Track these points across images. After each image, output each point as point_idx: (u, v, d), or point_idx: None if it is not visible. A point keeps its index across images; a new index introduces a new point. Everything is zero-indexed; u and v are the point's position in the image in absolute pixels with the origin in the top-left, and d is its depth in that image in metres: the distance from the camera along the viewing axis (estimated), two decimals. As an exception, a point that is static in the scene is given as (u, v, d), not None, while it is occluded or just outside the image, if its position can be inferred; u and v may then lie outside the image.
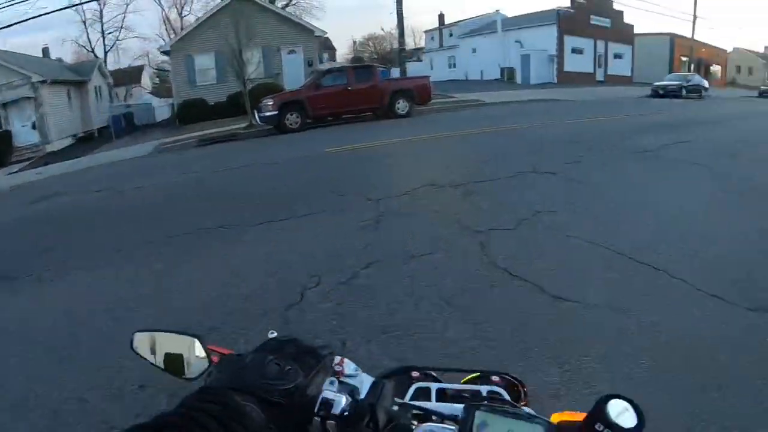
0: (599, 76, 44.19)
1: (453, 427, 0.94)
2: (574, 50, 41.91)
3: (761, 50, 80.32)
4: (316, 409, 0.92)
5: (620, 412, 0.88)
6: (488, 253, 5.43)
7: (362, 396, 0.98)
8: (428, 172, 9.53)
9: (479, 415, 0.92)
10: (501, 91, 30.14)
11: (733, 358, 3.45)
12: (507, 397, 1.14)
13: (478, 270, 5.03)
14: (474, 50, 48.22)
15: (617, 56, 46.14)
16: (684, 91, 33.55)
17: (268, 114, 19.06)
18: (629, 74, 47.17)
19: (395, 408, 0.97)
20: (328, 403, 0.93)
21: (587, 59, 43.10)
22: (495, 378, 1.20)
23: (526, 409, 1.03)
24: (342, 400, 0.94)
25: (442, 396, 1.10)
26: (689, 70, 42.17)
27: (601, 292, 4.45)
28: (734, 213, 7.03)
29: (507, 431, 0.91)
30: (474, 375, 1.22)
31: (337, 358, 1.05)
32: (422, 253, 5.50)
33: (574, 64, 41.70)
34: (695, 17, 43.75)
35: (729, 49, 70.26)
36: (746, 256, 5.31)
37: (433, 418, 0.99)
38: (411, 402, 1.04)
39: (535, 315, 4.04)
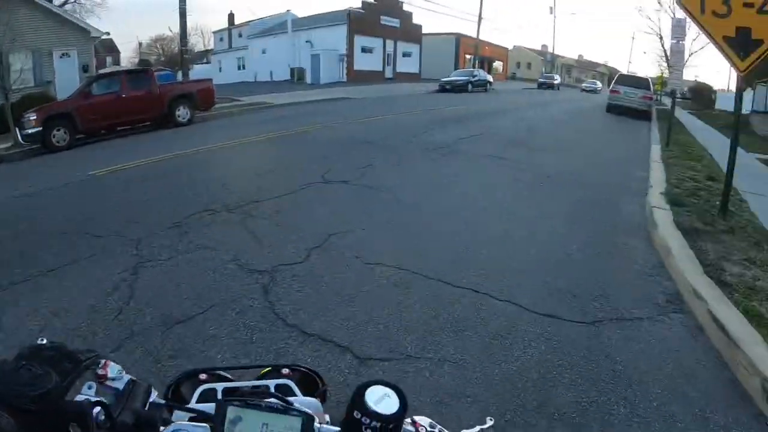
0: (388, 74, 46.11)
1: (204, 425, 0.97)
2: (364, 49, 43.34)
3: (539, 48, 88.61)
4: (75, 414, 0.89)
5: (380, 398, 0.92)
6: (273, 303, 4.44)
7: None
8: (204, 194, 8.09)
9: (232, 411, 0.93)
10: (290, 92, 30.02)
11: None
12: (296, 389, 1.17)
13: (261, 332, 3.99)
14: (264, 51, 47.90)
15: (406, 55, 48.52)
16: (470, 86, 36.04)
17: (31, 131, 16.19)
18: (417, 71, 49.82)
19: (146, 407, 0.98)
20: (82, 408, 0.91)
21: (377, 58, 44.79)
22: (285, 371, 1.23)
23: (302, 401, 1.08)
24: (96, 405, 0.93)
25: (230, 394, 1.11)
26: (474, 67, 45.39)
27: (421, 339, 3.82)
28: (539, 206, 7.53)
29: (261, 425, 0.93)
30: (266, 370, 1.25)
31: (102, 361, 1.05)
32: (188, 315, 4.30)
33: (363, 62, 43.09)
34: (480, 18, 47.05)
35: (510, 47, 76.80)
36: (565, 257, 5.62)
37: (189, 416, 1.01)
38: (166, 402, 1.06)
39: (339, 387, 3.14)
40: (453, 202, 7.58)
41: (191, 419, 1.02)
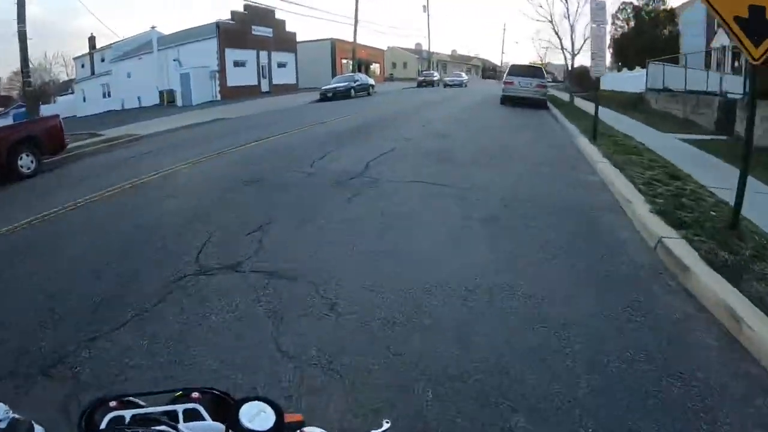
0: (264, 87, 43.13)
1: None
2: (237, 63, 40.21)
3: (413, 47, 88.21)
4: None
5: (254, 415, 0.95)
6: None
7: None
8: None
9: None
10: (160, 118, 26.54)
11: None
12: (204, 413, 1.14)
13: None
14: (129, 75, 43.51)
15: (281, 65, 45.77)
16: (353, 92, 34.03)
17: None
18: (294, 82, 47.21)
19: None
20: None
21: (251, 71, 41.75)
22: (194, 395, 1.18)
23: (205, 426, 1.09)
24: None
25: (138, 420, 1.07)
26: (353, 71, 43.61)
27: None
28: (518, 263, 5.36)
29: None
30: (177, 394, 1.20)
31: None
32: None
33: (237, 77, 39.96)
34: (356, 21, 45.10)
35: (385, 48, 75.73)
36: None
37: None
38: None
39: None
40: (402, 285, 4.75)
41: None
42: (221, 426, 1.07)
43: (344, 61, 53.64)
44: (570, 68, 34.26)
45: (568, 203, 7.70)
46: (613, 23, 48.32)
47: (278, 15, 44.87)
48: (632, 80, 34.25)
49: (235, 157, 12.43)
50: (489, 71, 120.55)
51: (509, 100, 25.16)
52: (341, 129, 16.50)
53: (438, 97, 33.74)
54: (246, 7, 41.19)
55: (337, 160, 11.12)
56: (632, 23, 46.63)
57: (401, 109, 23.27)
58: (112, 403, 1.17)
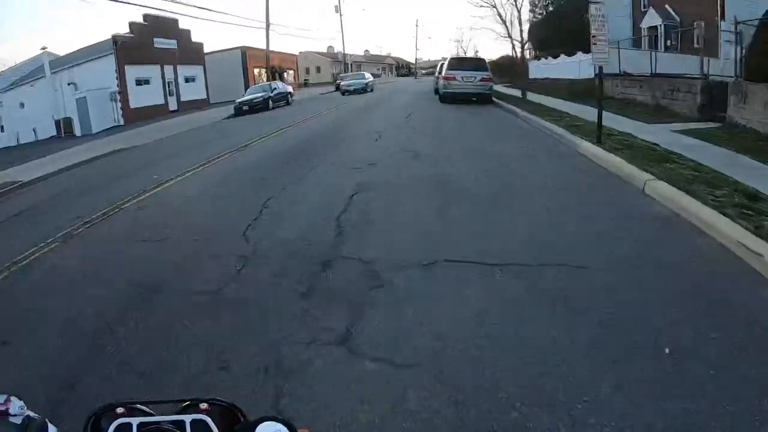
0: (172, 106, 38.71)
1: None
2: (140, 81, 35.69)
3: (325, 50, 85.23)
4: None
5: None
6: None
7: None
8: None
9: None
10: (53, 155, 21.81)
11: None
12: (212, 425, 1.12)
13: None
14: (22, 104, 37.99)
15: (189, 80, 41.46)
16: (271, 102, 30.76)
17: None
18: (205, 97, 42.97)
19: None
20: None
21: (156, 89, 37.32)
22: (203, 406, 1.18)
23: None
24: None
25: (145, 429, 1.06)
26: (267, 80, 40.22)
27: None
28: None
29: None
30: (186, 404, 1.20)
31: (3, 397, 1.04)
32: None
33: (141, 97, 35.36)
34: (268, 24, 41.12)
35: (297, 53, 72.43)
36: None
37: None
38: None
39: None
40: None
41: None
42: None
43: (257, 70, 50.02)
44: (520, 58, 32.20)
45: (681, 284, 4.63)
46: (532, 10, 46.68)
47: (182, 24, 40.39)
48: (568, 67, 32.21)
49: (123, 226, 8.21)
50: (403, 69, 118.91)
51: (451, 98, 22.58)
52: (271, 155, 13.18)
53: (366, 100, 31.03)
54: (146, 17, 36.35)
55: (284, 218, 7.37)
56: (551, 8, 44.91)
57: (335, 120, 20.32)
58: (120, 410, 1.16)
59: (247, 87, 38.49)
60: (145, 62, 35.66)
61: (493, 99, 22.93)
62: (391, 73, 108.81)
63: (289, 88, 35.82)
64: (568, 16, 40.14)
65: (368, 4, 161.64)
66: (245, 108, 29.49)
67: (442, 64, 29.55)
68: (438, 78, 27.61)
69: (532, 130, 14.47)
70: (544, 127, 14.11)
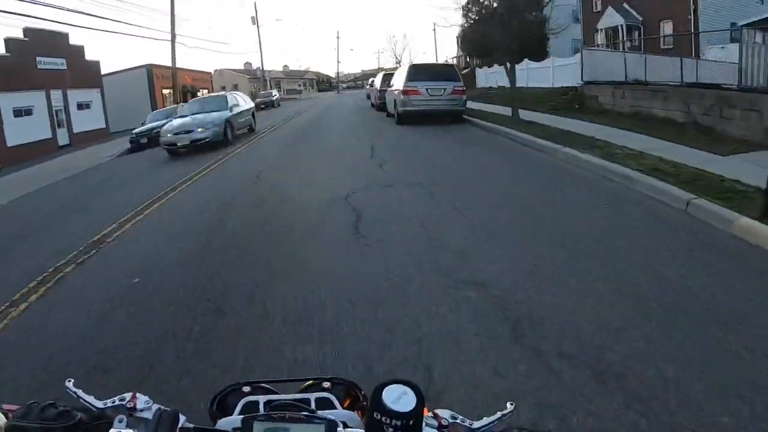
0: (62, 140, 31.63)
1: None
2: (19, 112, 28.51)
3: (242, 66, 79.14)
4: None
5: (398, 397, 0.93)
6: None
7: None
8: None
9: (257, 426, 0.95)
10: None
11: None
12: (336, 402, 1.16)
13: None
14: None
15: (83, 106, 34.33)
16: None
17: None
18: (103, 126, 36.08)
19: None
20: None
21: (41, 120, 30.18)
22: (326, 384, 1.22)
23: (339, 414, 1.08)
24: None
25: (271, 407, 1.09)
26: (176, 101, 33.98)
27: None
28: None
29: None
30: (308, 383, 1.24)
31: (129, 395, 1.07)
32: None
33: (21, 132, 28.00)
34: (174, 36, 34.64)
35: (212, 71, 66.01)
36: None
37: None
38: (191, 426, 1.03)
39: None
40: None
41: None
42: (355, 415, 1.09)
43: (165, 91, 43.60)
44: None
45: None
46: (466, 15, 41.89)
47: (73, 39, 33.41)
48: (536, 74, 27.74)
49: None
50: (324, 84, 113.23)
51: (411, 118, 17.59)
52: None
53: (296, 124, 25.81)
54: (26, 31, 29.05)
55: None
56: (484, 12, 40.05)
57: (262, 162, 14.70)
58: (246, 389, 1.21)
59: (155, 110, 31.61)
60: (24, 87, 28.48)
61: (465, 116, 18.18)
62: (312, 89, 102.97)
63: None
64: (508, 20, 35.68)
65: (285, 16, 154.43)
66: (143, 141, 23.47)
67: (388, 74, 24.53)
68: (386, 92, 22.53)
69: (580, 173, 9.48)
70: (602, 170, 9.16)
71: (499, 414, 1.05)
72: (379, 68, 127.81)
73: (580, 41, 33.15)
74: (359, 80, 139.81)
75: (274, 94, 48.98)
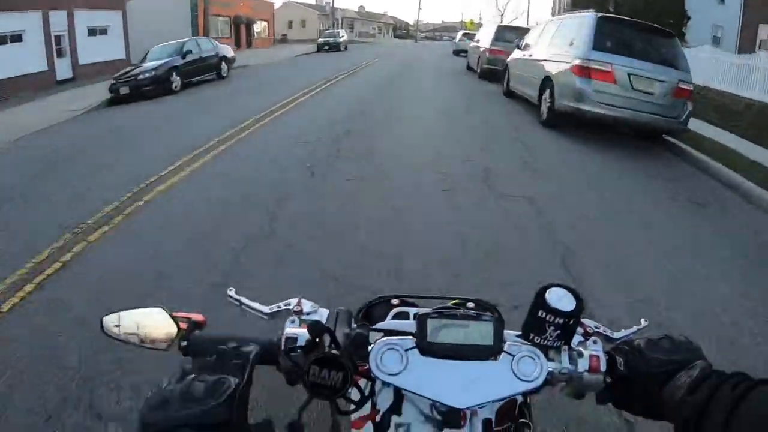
0: (63, 72, 23.60)
1: (410, 338, 0.98)
2: (5, 38, 20.91)
3: (313, 2, 70.49)
4: (282, 347, 0.99)
5: (559, 298, 0.97)
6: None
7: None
8: None
9: (431, 323, 0.97)
10: None
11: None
12: None
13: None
14: None
15: (96, 32, 26.32)
16: (176, 79, 16.80)
17: None
18: (123, 56, 27.99)
19: (354, 329, 1.01)
20: (291, 339, 1.00)
21: (34, 48, 22.17)
22: (470, 304, 1.25)
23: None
24: (303, 334, 0.99)
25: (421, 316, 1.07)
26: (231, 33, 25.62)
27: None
28: None
29: (458, 332, 0.97)
30: (454, 302, 1.26)
31: (294, 300, 1.13)
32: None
33: (8, 64, 20.09)
34: None
35: (278, 3, 57.43)
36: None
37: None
38: (368, 324, 1.08)
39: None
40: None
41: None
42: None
43: (220, 18, 35.16)
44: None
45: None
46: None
47: None
48: (727, 69, 17.64)
49: None
50: (401, 30, 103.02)
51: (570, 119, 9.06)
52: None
53: (361, 70, 19.53)
54: None
55: None
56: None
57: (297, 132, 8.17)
58: (394, 301, 1.27)
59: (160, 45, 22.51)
60: (13, 7, 20.48)
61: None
62: (387, 34, 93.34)
63: (228, 50, 21.41)
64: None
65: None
66: (123, 90, 15.19)
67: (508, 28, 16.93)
68: (509, 57, 14.06)
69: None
70: None
71: (635, 328, 1.15)
72: (462, 22, 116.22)
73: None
74: (438, 31, 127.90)
75: (341, 34, 40.17)
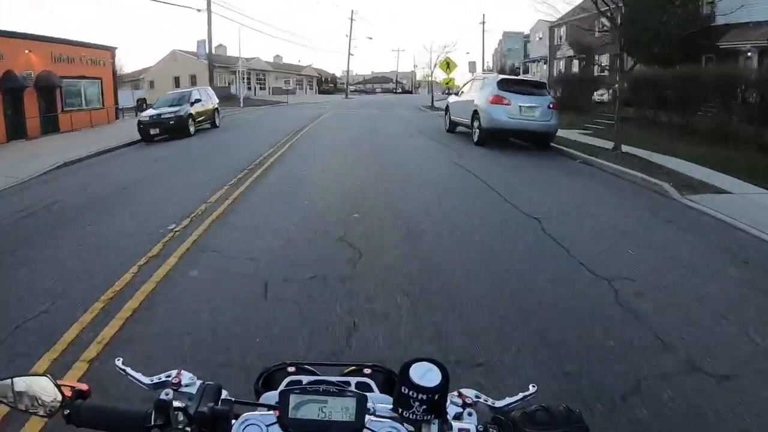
0: None
1: (270, 414, 1.02)
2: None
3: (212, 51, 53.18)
4: (152, 421, 1.04)
5: (423, 373, 0.96)
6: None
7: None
8: None
9: (294, 398, 0.99)
10: None
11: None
12: (374, 387, 1.26)
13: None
14: None
15: None
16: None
17: None
18: None
19: (218, 404, 1.06)
20: (159, 413, 1.05)
21: None
22: (366, 371, 1.32)
23: (376, 397, 1.16)
24: (171, 409, 1.05)
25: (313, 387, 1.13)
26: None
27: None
28: None
29: (320, 408, 0.99)
30: (350, 369, 1.34)
31: (175, 372, 1.16)
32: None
33: None
34: None
35: (159, 54, 40.35)
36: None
37: (258, 408, 1.09)
38: (232, 399, 1.11)
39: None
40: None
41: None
42: (389, 397, 1.14)
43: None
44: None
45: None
46: None
47: None
48: None
49: None
50: (327, 84, 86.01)
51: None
52: None
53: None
54: None
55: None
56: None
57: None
58: (290, 369, 1.30)
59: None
60: None
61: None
62: (310, 89, 75.35)
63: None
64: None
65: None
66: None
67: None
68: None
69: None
70: None
71: (521, 395, 1.13)
72: (395, 71, 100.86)
73: None
74: (369, 83, 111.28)
75: (194, 97, 21.81)
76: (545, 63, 52.97)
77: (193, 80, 56.00)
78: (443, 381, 0.94)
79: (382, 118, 28.99)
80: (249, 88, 60.94)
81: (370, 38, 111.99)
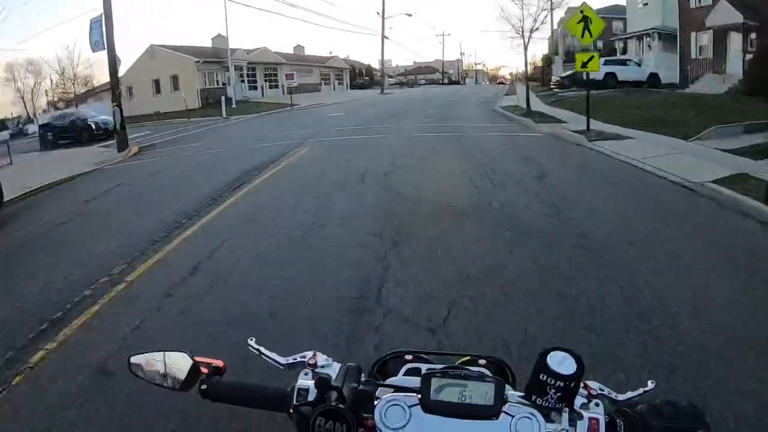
0: None
1: (413, 395, 1.02)
2: None
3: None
4: (294, 398, 1.07)
5: (560, 361, 0.97)
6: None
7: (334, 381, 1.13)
8: None
9: (435, 381, 1.01)
10: None
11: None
12: (491, 375, 1.22)
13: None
14: None
15: None
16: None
17: None
18: None
19: (362, 385, 1.07)
20: (302, 391, 1.06)
21: None
22: (482, 361, 1.28)
23: (480, 370, 1.16)
24: (313, 387, 1.05)
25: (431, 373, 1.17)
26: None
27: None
28: None
29: (460, 392, 1.00)
30: (465, 359, 1.30)
31: (310, 353, 1.16)
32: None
33: None
34: None
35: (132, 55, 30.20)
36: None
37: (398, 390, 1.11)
38: (377, 379, 1.16)
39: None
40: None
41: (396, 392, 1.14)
42: (510, 387, 1.17)
43: None
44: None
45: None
46: None
47: None
48: None
49: None
50: (362, 78, 70.83)
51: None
52: None
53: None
54: None
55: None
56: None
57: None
58: (408, 357, 1.28)
59: None
60: None
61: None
62: (339, 84, 60.54)
63: None
64: None
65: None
66: None
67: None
68: None
69: None
70: None
71: (641, 390, 1.15)
72: (440, 60, 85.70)
73: None
74: (411, 74, 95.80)
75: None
76: (658, 38, 37.60)
77: (175, 82, 42.18)
78: (579, 370, 0.96)
79: (434, 154, 13.00)
80: (254, 88, 48.01)
81: (410, 15, 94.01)
